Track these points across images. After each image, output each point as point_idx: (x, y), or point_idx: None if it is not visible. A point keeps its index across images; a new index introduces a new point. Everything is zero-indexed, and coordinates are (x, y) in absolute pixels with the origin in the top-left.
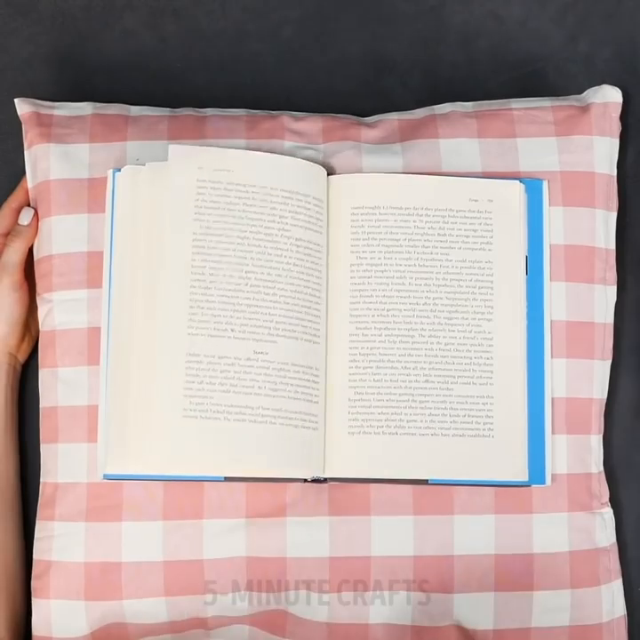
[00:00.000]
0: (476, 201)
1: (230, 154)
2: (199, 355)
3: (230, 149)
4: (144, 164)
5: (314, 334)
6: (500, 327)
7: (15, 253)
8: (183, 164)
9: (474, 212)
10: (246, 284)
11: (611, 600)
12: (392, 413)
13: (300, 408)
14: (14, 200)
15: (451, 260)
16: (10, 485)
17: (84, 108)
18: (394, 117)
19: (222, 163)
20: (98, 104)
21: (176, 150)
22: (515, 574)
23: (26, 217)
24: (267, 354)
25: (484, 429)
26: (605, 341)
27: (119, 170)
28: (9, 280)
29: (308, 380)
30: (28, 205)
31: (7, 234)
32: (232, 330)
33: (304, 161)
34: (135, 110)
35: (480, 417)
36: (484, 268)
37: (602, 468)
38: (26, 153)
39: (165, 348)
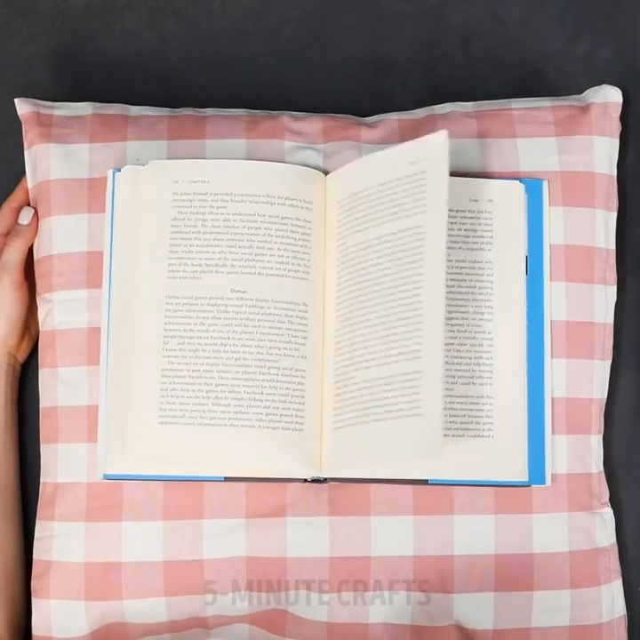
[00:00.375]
0: (476, 201)
1: (206, 164)
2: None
3: (206, 160)
4: (144, 165)
5: (298, 343)
6: (500, 327)
7: (15, 253)
8: (159, 179)
9: (473, 212)
10: (225, 292)
11: (611, 600)
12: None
13: (287, 409)
14: (14, 200)
15: (451, 260)
16: (10, 485)
17: (84, 108)
18: (394, 117)
19: (199, 175)
20: (98, 104)
21: (154, 165)
22: (515, 574)
23: (26, 216)
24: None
25: (483, 429)
26: (605, 341)
27: (119, 170)
28: (9, 279)
29: (294, 382)
30: (28, 205)
31: (7, 233)
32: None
33: (283, 164)
34: (135, 110)
35: (480, 417)
36: (484, 269)
37: (602, 468)
38: (26, 153)
39: (147, 357)
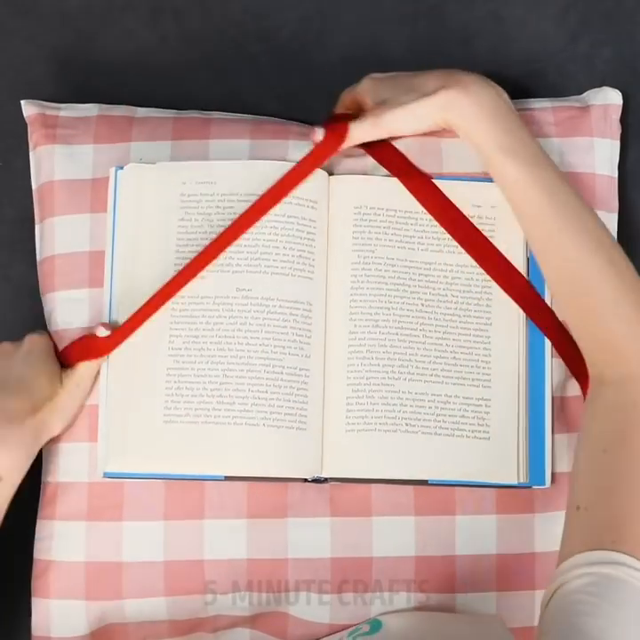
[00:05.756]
0: (479, 206)
1: (213, 165)
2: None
3: (214, 161)
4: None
5: (302, 342)
6: (498, 331)
7: (93, 368)
8: (166, 180)
9: (474, 217)
10: (231, 291)
11: None
12: (389, 411)
13: (291, 408)
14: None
15: (451, 264)
16: None
17: (90, 110)
18: None
19: (205, 176)
20: (104, 105)
21: (161, 167)
22: (516, 574)
23: (105, 330)
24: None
25: (479, 431)
26: None
27: (122, 167)
28: (84, 394)
29: (298, 382)
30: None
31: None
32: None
33: (288, 163)
34: (141, 112)
35: (475, 419)
36: (484, 273)
37: None
38: (31, 154)
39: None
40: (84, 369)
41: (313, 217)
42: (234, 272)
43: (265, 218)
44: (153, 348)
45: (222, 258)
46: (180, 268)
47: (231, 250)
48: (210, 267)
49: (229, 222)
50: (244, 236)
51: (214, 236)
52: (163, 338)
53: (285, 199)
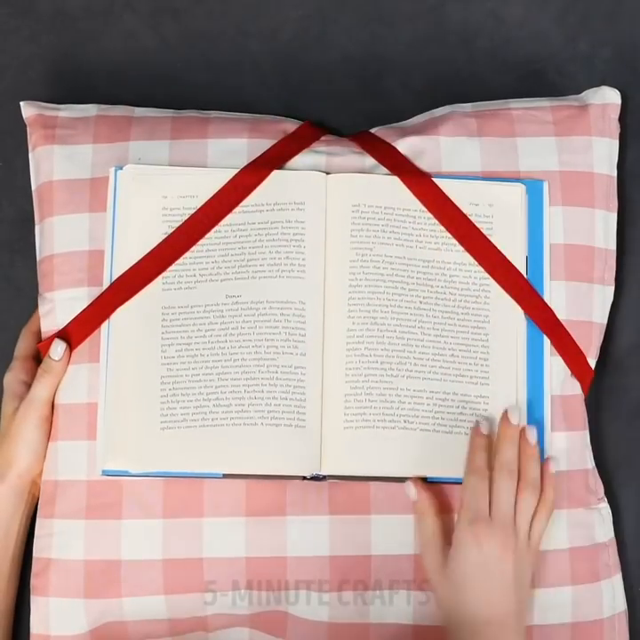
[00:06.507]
0: (476, 205)
1: (193, 177)
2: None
3: (196, 173)
4: (146, 164)
5: (296, 340)
6: (496, 329)
7: (44, 389)
8: (147, 193)
9: (473, 215)
10: (221, 298)
11: (611, 595)
12: (387, 408)
13: (288, 406)
14: (35, 323)
15: (450, 262)
16: (7, 613)
17: (89, 110)
18: (396, 126)
19: (186, 189)
20: (102, 106)
21: (140, 178)
22: None
23: (58, 351)
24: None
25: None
26: (600, 342)
27: (121, 168)
28: (36, 415)
29: (294, 380)
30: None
31: (31, 356)
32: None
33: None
34: (139, 111)
35: (473, 416)
36: (482, 271)
37: (594, 463)
38: (30, 155)
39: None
40: (39, 390)
41: (300, 218)
42: (222, 280)
43: (248, 227)
44: (146, 358)
45: (210, 268)
46: (168, 280)
47: (218, 260)
48: (198, 277)
49: (214, 234)
50: (230, 246)
51: (200, 247)
52: (155, 348)
53: (267, 207)
